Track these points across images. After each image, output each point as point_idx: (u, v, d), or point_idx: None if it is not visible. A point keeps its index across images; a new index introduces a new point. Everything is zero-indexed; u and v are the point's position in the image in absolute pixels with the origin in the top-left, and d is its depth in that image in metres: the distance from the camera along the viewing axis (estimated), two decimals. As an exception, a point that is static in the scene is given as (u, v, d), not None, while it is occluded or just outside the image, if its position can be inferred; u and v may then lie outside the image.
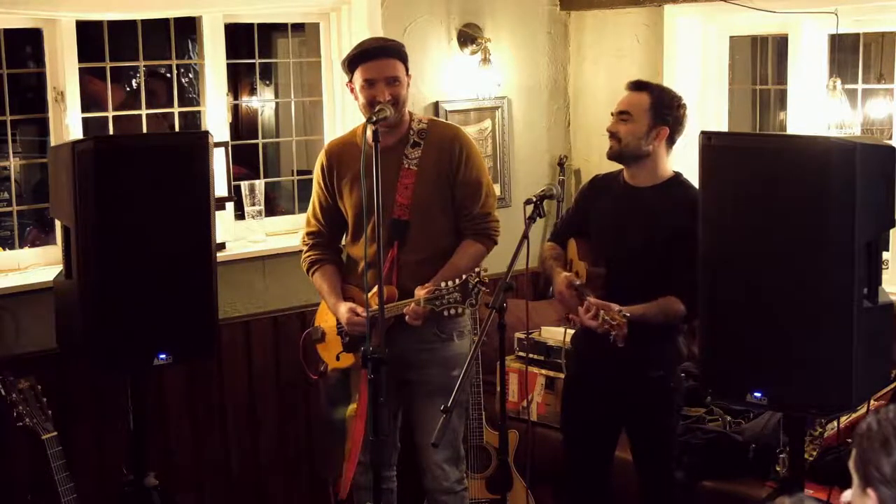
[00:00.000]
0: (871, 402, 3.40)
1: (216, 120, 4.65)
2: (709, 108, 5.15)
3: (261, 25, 4.90)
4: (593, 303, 3.50)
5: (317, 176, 3.94)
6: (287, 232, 4.85)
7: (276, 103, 6.38)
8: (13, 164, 4.88)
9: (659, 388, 3.71)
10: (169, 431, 4.45)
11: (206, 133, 3.83)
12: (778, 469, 3.93)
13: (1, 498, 4.05)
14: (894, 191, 3.18)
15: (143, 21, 4.47)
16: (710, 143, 3.30)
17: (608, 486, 3.90)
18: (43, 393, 3.60)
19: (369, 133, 3.35)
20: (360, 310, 3.71)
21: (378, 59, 3.68)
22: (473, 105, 5.21)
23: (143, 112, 4.59)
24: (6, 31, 4.21)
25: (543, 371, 4.67)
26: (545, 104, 5.51)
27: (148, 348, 3.67)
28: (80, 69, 4.32)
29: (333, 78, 4.93)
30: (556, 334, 4.74)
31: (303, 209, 4.94)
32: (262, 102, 6.26)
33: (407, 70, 3.76)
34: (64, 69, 4.24)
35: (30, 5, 4.13)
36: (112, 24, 4.43)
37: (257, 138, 5.12)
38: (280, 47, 5.96)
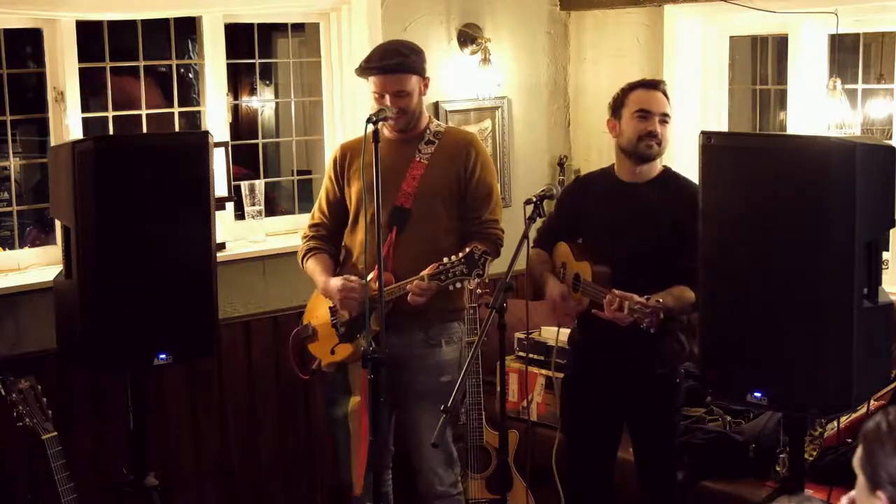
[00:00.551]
0: (872, 402, 3.40)
1: (216, 120, 4.65)
2: (709, 108, 5.15)
3: (261, 25, 4.90)
4: (618, 294, 3.47)
5: (328, 170, 3.98)
6: (287, 232, 4.85)
7: (276, 103, 6.38)
8: (13, 164, 4.88)
9: (664, 384, 3.70)
10: (169, 431, 4.45)
11: (206, 133, 3.83)
12: (778, 469, 3.93)
13: (1, 498, 4.05)
14: (894, 191, 3.18)
15: (143, 21, 4.48)
16: (710, 143, 3.29)
17: (609, 486, 3.89)
18: (43, 393, 3.60)
19: (370, 131, 3.39)
20: (353, 279, 3.72)
21: (388, 74, 3.72)
22: (473, 105, 5.21)
23: (143, 112, 4.59)
24: (6, 31, 4.21)
25: (543, 371, 4.67)
26: (545, 104, 5.51)
27: (148, 348, 3.67)
28: (111, 69, 4.37)
29: (333, 78, 4.93)
30: (555, 334, 4.74)
31: (303, 209, 4.96)
32: (262, 102, 6.26)
33: (422, 75, 3.79)
34: (64, 69, 4.24)
35: (30, 5, 4.13)
36: (112, 23, 4.44)
37: (257, 138, 5.12)
38: (280, 47, 5.96)
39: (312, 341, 3.94)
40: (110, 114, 4.48)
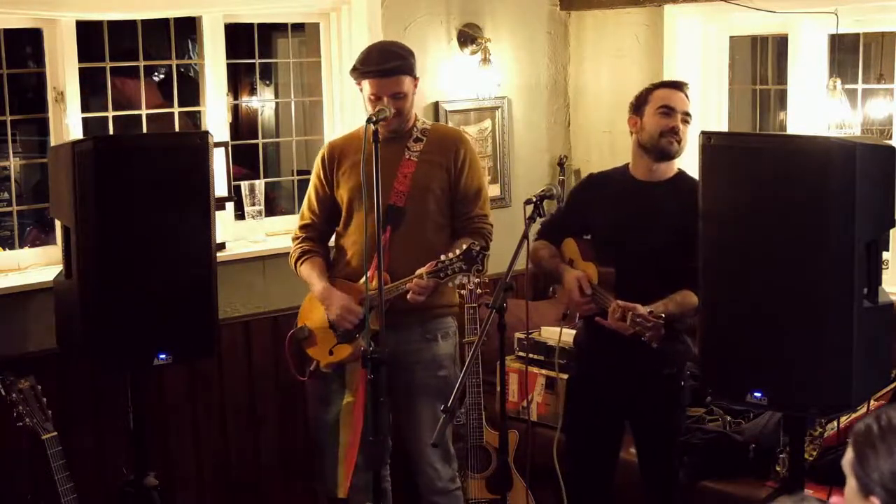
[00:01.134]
0: (871, 402, 3.40)
1: (216, 120, 4.65)
2: (709, 108, 5.15)
3: (261, 25, 4.90)
4: (621, 305, 3.49)
5: (316, 169, 3.98)
6: (287, 232, 4.83)
7: (276, 103, 6.38)
8: (13, 164, 4.88)
9: (670, 385, 3.70)
10: (169, 431, 4.45)
11: (206, 133, 3.83)
12: (778, 469, 3.93)
13: (1, 498, 4.04)
14: (894, 191, 3.18)
15: (143, 21, 4.48)
16: (710, 143, 3.29)
17: (610, 487, 3.89)
18: (43, 393, 3.60)
19: (370, 131, 3.40)
20: (356, 308, 3.74)
21: (385, 77, 3.72)
22: (473, 105, 5.21)
23: (143, 112, 4.59)
24: (6, 31, 4.21)
25: (543, 371, 4.67)
26: (545, 104, 5.51)
27: (148, 348, 3.67)
28: (111, 69, 4.38)
29: (333, 78, 4.93)
30: (556, 334, 4.74)
31: (303, 209, 4.95)
32: (262, 102, 6.26)
33: (415, 76, 3.80)
34: (64, 69, 4.24)
35: (30, 5, 4.13)
36: (112, 23, 4.44)
37: (257, 138, 5.12)
38: (280, 47, 5.97)
39: (309, 343, 3.94)
40: (110, 114, 4.48)
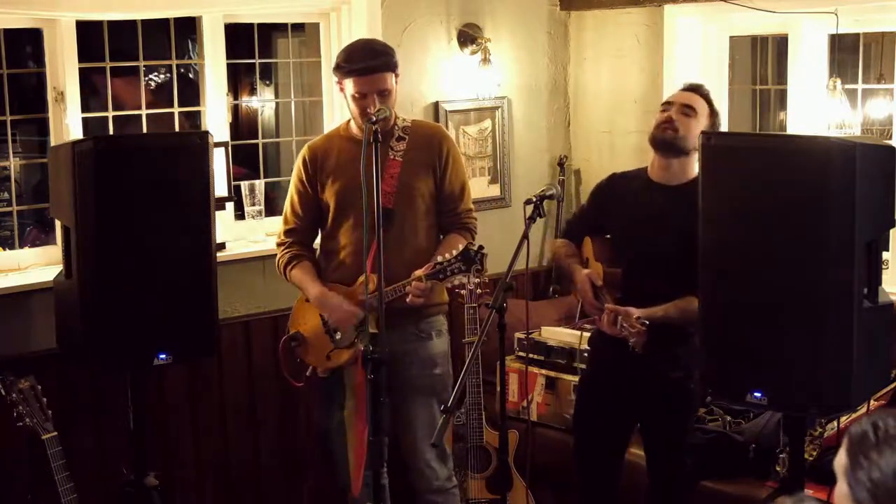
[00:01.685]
0: (871, 402, 3.40)
1: (216, 120, 4.65)
2: (709, 108, 5.14)
3: (261, 25, 4.90)
4: (611, 309, 3.51)
5: (297, 172, 3.97)
6: (287, 232, 4.84)
7: (276, 103, 6.37)
8: (13, 164, 4.88)
9: (679, 389, 3.70)
10: (169, 431, 4.45)
11: (206, 133, 3.83)
12: (778, 469, 3.93)
13: (1, 498, 4.04)
14: (894, 191, 3.18)
15: (143, 21, 4.48)
16: (710, 143, 3.30)
17: (616, 488, 3.89)
18: (43, 393, 3.60)
19: (370, 131, 3.38)
20: (355, 310, 3.75)
21: (371, 74, 3.71)
22: (473, 105, 5.21)
23: (143, 112, 4.59)
24: (6, 31, 4.21)
25: (543, 371, 4.68)
26: (545, 104, 5.51)
27: (148, 348, 3.67)
28: (110, 69, 4.38)
29: (333, 78, 4.91)
30: (556, 334, 4.75)
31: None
32: (262, 102, 6.25)
33: (396, 73, 3.80)
34: (64, 69, 4.24)
35: (30, 5, 4.13)
36: (112, 23, 4.44)
37: (257, 138, 5.12)
38: (280, 47, 5.96)
39: (304, 349, 3.93)
40: (110, 114, 4.47)
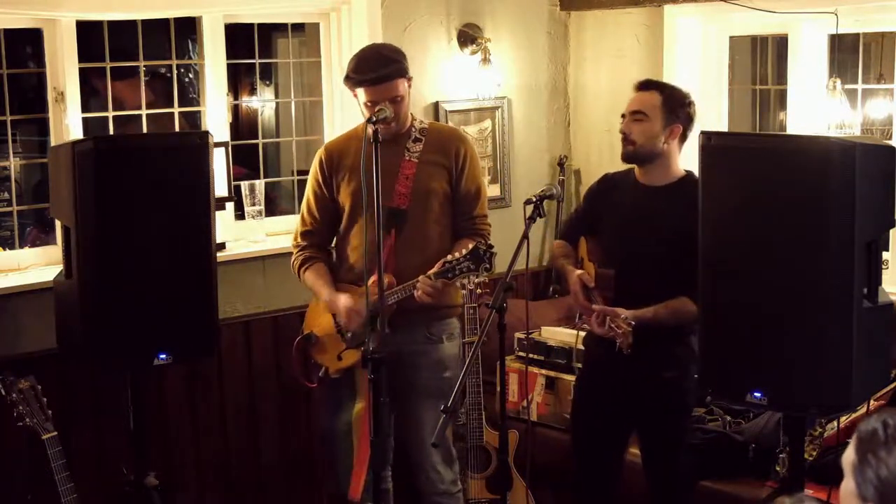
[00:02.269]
0: (871, 402, 3.40)
1: (216, 120, 4.65)
2: (709, 108, 5.14)
3: (261, 25, 4.90)
4: (599, 310, 3.52)
5: (314, 173, 3.96)
6: (287, 232, 4.83)
7: (276, 103, 6.37)
8: (13, 164, 4.88)
9: (673, 388, 3.70)
10: (169, 431, 4.45)
11: (206, 133, 3.83)
12: (778, 469, 3.93)
13: (1, 498, 4.04)
14: (894, 191, 3.18)
15: (143, 21, 4.48)
16: (710, 143, 3.30)
17: (616, 488, 3.89)
18: (43, 393, 3.60)
19: (370, 132, 3.39)
20: (360, 308, 3.72)
21: (381, 83, 3.70)
22: (473, 105, 5.21)
23: (143, 112, 4.59)
24: (6, 31, 4.21)
25: (543, 371, 4.68)
26: (545, 104, 5.51)
27: (148, 348, 3.67)
28: (110, 69, 4.39)
29: (333, 78, 4.93)
30: (556, 334, 4.75)
31: (303, 209, 4.95)
32: (262, 102, 6.25)
33: (408, 78, 3.78)
34: (64, 69, 4.24)
35: (30, 5, 4.13)
36: (112, 23, 4.44)
37: (257, 138, 5.12)
38: (280, 47, 5.96)
39: (317, 350, 3.93)
40: (110, 114, 4.47)
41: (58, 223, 4.00)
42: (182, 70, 5.24)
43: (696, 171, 3.41)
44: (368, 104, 3.72)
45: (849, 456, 1.90)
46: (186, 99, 5.06)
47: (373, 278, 3.43)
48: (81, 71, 4.34)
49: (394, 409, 3.90)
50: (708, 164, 3.30)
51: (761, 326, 3.20)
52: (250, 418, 4.67)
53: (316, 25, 4.95)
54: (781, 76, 5.21)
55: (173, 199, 3.65)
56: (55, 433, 3.55)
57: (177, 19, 4.58)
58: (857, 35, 4.86)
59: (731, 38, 5.15)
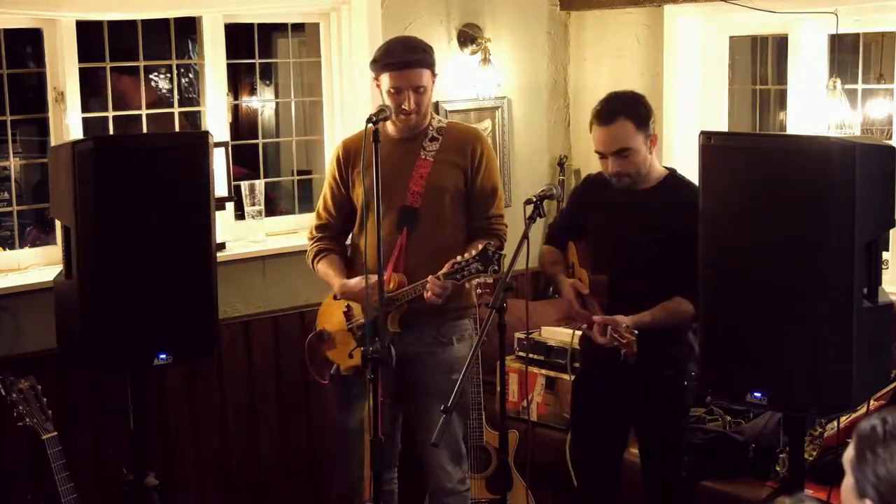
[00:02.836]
0: (871, 402, 3.40)
1: (216, 120, 4.65)
2: (709, 108, 5.15)
3: (261, 25, 4.90)
4: (599, 320, 3.50)
5: (331, 169, 3.96)
6: (287, 232, 4.85)
7: (276, 103, 6.37)
8: (13, 164, 4.88)
9: (671, 386, 3.70)
10: (169, 431, 4.45)
11: (206, 133, 3.83)
12: (778, 469, 3.93)
13: (1, 498, 4.05)
14: (894, 191, 3.18)
15: (143, 21, 4.48)
16: (710, 143, 3.29)
17: (616, 488, 3.89)
18: (43, 393, 3.60)
19: (370, 131, 3.38)
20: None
21: (408, 69, 3.69)
22: (473, 105, 5.21)
23: (143, 112, 4.59)
24: (6, 31, 4.21)
25: (543, 371, 4.68)
26: (545, 104, 5.51)
27: (148, 348, 3.67)
28: (111, 68, 4.39)
29: (333, 78, 4.93)
30: (556, 334, 4.75)
31: (303, 209, 4.96)
32: (262, 102, 6.26)
33: (434, 71, 3.78)
34: (64, 69, 4.24)
35: (30, 5, 4.13)
36: (112, 23, 4.44)
37: (257, 138, 5.12)
38: (280, 47, 5.96)
39: (329, 347, 3.93)
40: (110, 114, 4.47)
41: (58, 223, 4.00)
42: (182, 70, 5.25)
43: (694, 171, 3.41)
44: (392, 91, 3.70)
45: (849, 454, 1.91)
46: (186, 99, 5.06)
47: (385, 277, 3.42)
48: (83, 70, 4.34)
49: (403, 409, 3.90)
50: (708, 164, 3.30)
51: (761, 326, 3.20)
52: (250, 418, 4.67)
53: (316, 25, 4.95)
54: (781, 76, 5.21)
55: (173, 199, 3.65)
56: (55, 433, 3.55)
57: (177, 19, 4.58)
58: (857, 35, 4.86)
59: (731, 38, 5.15)
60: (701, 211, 3.31)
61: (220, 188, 4.36)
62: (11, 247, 4.36)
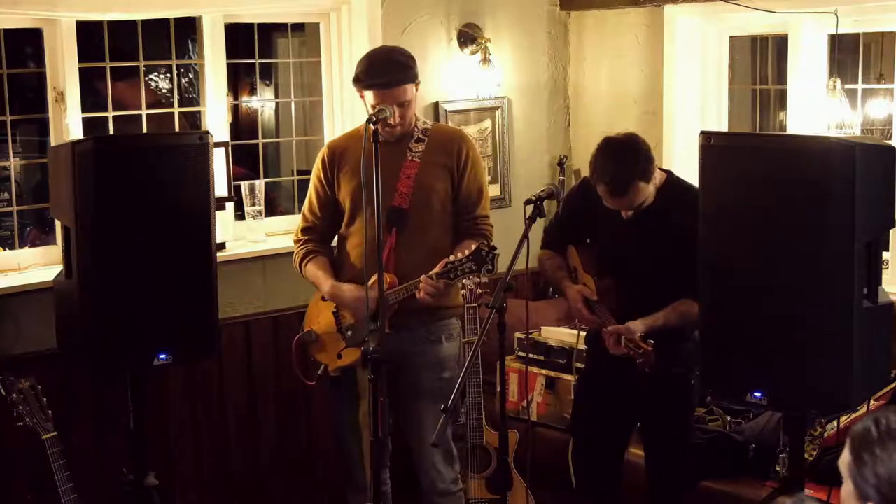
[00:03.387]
0: (871, 402, 3.40)
1: (216, 120, 4.65)
2: (709, 108, 5.15)
3: (261, 25, 4.90)
4: (612, 330, 3.51)
5: (316, 170, 3.96)
6: (287, 232, 4.84)
7: (276, 103, 6.37)
8: (13, 164, 4.88)
9: (679, 384, 3.70)
10: (169, 431, 4.45)
11: (206, 133, 3.83)
12: (778, 469, 3.93)
13: (1, 498, 4.04)
14: (894, 191, 3.18)
15: (143, 21, 4.48)
16: (710, 143, 3.30)
17: (618, 487, 3.89)
18: (43, 393, 3.60)
19: (370, 131, 3.38)
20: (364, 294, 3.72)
21: (388, 88, 3.69)
22: (473, 105, 5.21)
23: (143, 112, 4.59)
24: (6, 31, 4.21)
25: (543, 371, 4.68)
26: (545, 104, 5.51)
27: (148, 348, 3.67)
28: (111, 70, 4.38)
29: (333, 78, 4.93)
30: (556, 334, 4.75)
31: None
32: (262, 102, 6.26)
33: (416, 82, 3.78)
34: (64, 69, 4.24)
35: (30, 5, 4.13)
36: (112, 23, 4.44)
37: (257, 138, 5.12)
38: (280, 47, 5.96)
39: (317, 347, 3.93)
40: (110, 114, 4.47)
41: (58, 223, 4.00)
42: (182, 70, 5.25)
43: (694, 171, 3.40)
44: (376, 107, 3.71)
45: (845, 458, 1.90)
46: (186, 99, 5.06)
47: (374, 278, 3.43)
48: (82, 72, 4.34)
49: (394, 409, 3.90)
50: (708, 164, 3.30)
51: (761, 326, 3.20)
52: (250, 418, 4.67)
53: (316, 25, 4.95)
54: (781, 76, 5.21)
55: (173, 199, 3.65)
56: (55, 433, 3.55)
57: (177, 19, 4.58)
58: (857, 35, 4.86)
59: (731, 37, 5.15)
60: (701, 211, 3.31)
61: (220, 188, 4.36)
62: (11, 247, 4.36)
